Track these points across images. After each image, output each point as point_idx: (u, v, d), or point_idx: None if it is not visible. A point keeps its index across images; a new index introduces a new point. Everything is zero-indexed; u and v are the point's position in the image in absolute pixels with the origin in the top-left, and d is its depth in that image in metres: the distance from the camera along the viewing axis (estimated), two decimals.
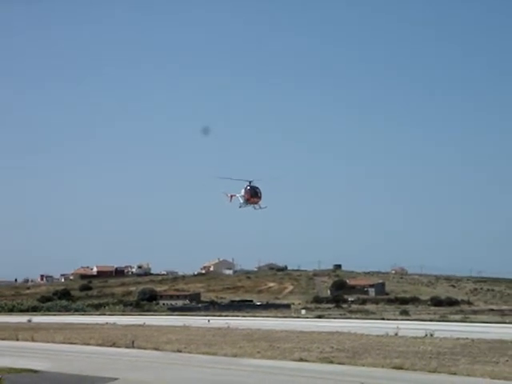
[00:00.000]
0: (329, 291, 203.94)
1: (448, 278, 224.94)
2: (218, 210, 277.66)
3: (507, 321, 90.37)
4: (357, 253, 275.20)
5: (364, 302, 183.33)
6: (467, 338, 49.12)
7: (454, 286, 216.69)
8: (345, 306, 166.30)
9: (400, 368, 32.54)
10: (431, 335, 51.12)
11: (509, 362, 34.92)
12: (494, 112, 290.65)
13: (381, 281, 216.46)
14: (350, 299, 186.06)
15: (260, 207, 54.67)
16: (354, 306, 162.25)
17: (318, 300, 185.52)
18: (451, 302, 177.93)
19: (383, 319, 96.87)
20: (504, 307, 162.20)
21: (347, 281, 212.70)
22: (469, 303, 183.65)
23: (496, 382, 28.09)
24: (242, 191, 54.36)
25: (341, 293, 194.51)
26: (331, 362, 35.30)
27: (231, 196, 55.74)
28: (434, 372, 31.18)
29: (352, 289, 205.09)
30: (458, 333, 53.80)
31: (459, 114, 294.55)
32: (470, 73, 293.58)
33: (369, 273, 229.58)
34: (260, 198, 54.03)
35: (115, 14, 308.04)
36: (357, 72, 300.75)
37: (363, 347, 42.81)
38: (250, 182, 54.00)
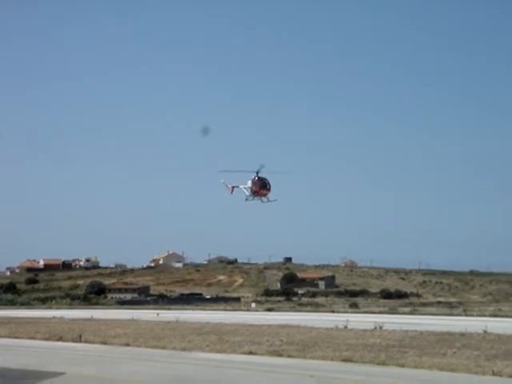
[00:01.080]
0: (279, 284, 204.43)
1: (397, 271, 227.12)
2: (167, 202, 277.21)
3: (455, 313, 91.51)
4: (307, 246, 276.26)
5: (314, 294, 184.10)
6: (416, 331, 49.45)
7: (403, 279, 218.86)
8: (295, 299, 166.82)
9: (349, 361, 32.55)
10: (380, 328, 51.35)
11: (456, 353, 35.17)
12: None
13: (331, 274, 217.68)
14: (300, 292, 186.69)
15: (268, 200, 50.69)
16: (304, 299, 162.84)
17: (268, 293, 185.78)
18: (400, 295, 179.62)
19: (333, 312, 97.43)
20: (452, 299, 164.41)
21: (297, 274, 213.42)
22: (418, 296, 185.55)
23: (443, 373, 28.21)
24: (249, 183, 50.63)
25: (291, 286, 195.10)
26: (281, 355, 35.17)
27: (232, 187, 51.97)
28: (382, 364, 31.24)
29: (302, 282, 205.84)
30: (406, 325, 54.17)
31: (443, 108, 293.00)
32: (472, 74, 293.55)
33: (319, 266, 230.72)
34: (269, 190, 50.24)
35: (114, 13, 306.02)
36: (357, 71, 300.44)
37: (313, 340, 42.79)
38: (256, 173, 50.09)
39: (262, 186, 49.94)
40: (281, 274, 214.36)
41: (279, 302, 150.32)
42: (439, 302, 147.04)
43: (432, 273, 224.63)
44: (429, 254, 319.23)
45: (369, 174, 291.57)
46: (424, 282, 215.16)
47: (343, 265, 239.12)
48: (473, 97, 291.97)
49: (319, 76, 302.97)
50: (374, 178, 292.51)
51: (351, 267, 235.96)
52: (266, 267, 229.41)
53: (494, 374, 27.77)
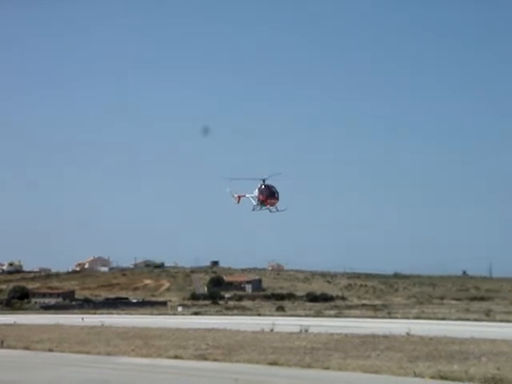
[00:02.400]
0: (206, 288, 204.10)
1: (323, 274, 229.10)
2: (91, 206, 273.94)
3: (379, 315, 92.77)
4: (234, 249, 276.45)
5: (241, 298, 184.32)
6: (341, 333, 49.94)
7: (329, 282, 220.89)
8: (221, 302, 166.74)
9: (275, 364, 32.65)
10: (306, 331, 51.70)
11: (380, 355, 35.64)
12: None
13: (258, 277, 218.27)
14: (226, 296, 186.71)
15: (277, 210, 47.73)
16: (231, 303, 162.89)
17: (194, 297, 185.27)
18: (326, 298, 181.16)
19: (259, 315, 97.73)
20: (376, 302, 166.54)
21: (224, 277, 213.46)
22: (343, 299, 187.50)
23: (367, 375, 28.54)
24: (256, 191, 47.80)
25: (218, 289, 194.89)
26: (206, 359, 35.08)
27: (239, 197, 49.19)
28: (307, 367, 31.43)
29: (229, 285, 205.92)
30: (332, 328, 54.66)
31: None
32: (471, 73, 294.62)
33: (246, 269, 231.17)
34: (277, 198, 47.51)
35: (114, 13, 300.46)
36: (357, 70, 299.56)
37: (239, 344, 42.82)
38: (263, 181, 47.32)
39: (269, 195, 47.24)
40: (208, 278, 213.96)
41: (206, 305, 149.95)
42: (364, 305, 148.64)
43: (357, 276, 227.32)
44: (354, 258, 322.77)
45: (298, 178, 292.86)
46: (349, 285, 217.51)
47: (270, 268, 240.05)
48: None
49: (319, 76, 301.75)
50: (301, 183, 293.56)
51: (278, 271, 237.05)
52: (193, 271, 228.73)
53: (415, 375, 28.21)
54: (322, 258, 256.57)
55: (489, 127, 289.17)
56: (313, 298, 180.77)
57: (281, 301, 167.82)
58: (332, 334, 49.27)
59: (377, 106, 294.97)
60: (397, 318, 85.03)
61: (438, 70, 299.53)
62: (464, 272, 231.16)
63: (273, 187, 47.40)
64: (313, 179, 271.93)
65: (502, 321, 76.45)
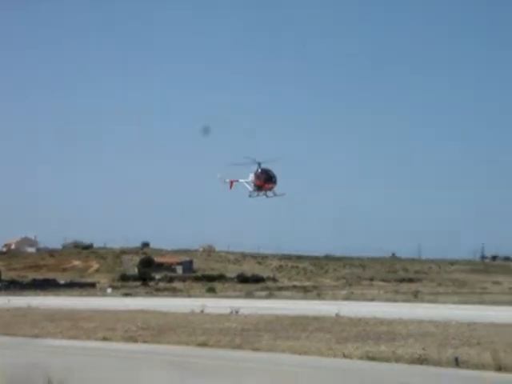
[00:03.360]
0: (136, 269, 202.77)
1: (254, 256, 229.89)
2: (20, 185, 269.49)
3: (309, 297, 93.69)
4: (165, 230, 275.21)
5: (171, 279, 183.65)
6: (271, 315, 50.17)
7: (260, 263, 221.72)
8: (152, 284, 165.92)
9: (205, 345, 32.58)
10: (237, 312, 51.76)
11: (309, 337, 35.86)
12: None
13: (189, 258, 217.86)
14: (157, 277, 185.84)
15: (275, 194, 45.79)
16: (162, 284, 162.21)
17: (124, 278, 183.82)
18: (257, 279, 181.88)
19: (190, 297, 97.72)
20: (307, 283, 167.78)
21: (155, 259, 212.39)
22: (274, 280, 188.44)
23: (296, 356, 28.66)
24: (251, 176, 45.93)
25: (148, 271, 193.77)
26: (136, 341, 34.81)
27: (231, 182, 47.25)
28: (237, 348, 31.43)
29: (160, 266, 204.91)
30: (262, 309, 54.89)
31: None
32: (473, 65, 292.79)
33: (177, 251, 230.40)
34: (275, 182, 45.53)
35: (113, 12, 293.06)
36: (356, 67, 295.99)
37: (169, 325, 42.60)
38: (259, 165, 45.24)
39: (266, 180, 45.33)
40: (138, 259, 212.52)
41: (136, 287, 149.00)
42: (295, 286, 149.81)
43: (288, 257, 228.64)
44: (285, 239, 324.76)
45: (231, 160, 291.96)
46: (280, 266, 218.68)
47: (201, 250, 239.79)
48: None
49: (319, 76, 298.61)
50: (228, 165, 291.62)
51: (209, 252, 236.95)
52: (123, 252, 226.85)
53: (344, 356, 28.44)
54: (253, 240, 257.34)
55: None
56: (244, 279, 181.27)
57: (212, 282, 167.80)
58: (262, 316, 49.42)
59: (376, 98, 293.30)
60: (326, 299, 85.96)
61: (434, 63, 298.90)
62: (393, 254, 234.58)
63: (270, 171, 45.54)
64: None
65: (429, 302, 78.11)
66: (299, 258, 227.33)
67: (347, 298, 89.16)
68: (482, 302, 75.54)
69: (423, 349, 30.06)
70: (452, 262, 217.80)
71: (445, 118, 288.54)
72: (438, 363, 26.46)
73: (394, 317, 47.73)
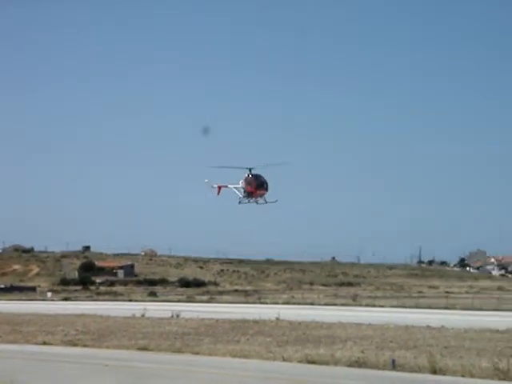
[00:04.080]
0: (77, 273, 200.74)
1: (196, 260, 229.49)
2: None
3: (250, 301, 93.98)
4: (106, 234, 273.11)
5: (112, 283, 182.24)
6: (212, 319, 50.35)
7: (201, 268, 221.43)
8: (93, 288, 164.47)
9: (145, 349, 32.63)
10: (177, 316, 51.81)
11: (250, 340, 36.17)
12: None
13: (130, 262, 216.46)
14: (98, 281, 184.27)
15: (266, 201, 43.96)
16: (103, 288, 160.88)
17: (65, 282, 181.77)
18: (198, 283, 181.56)
19: (131, 301, 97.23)
20: (248, 288, 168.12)
21: (96, 262, 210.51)
22: (215, 284, 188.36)
23: (236, 360, 28.90)
24: (242, 182, 44.07)
25: (89, 275, 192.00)
26: (75, 345, 34.68)
27: (219, 187, 45.29)
28: (178, 352, 31.56)
29: (101, 270, 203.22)
30: (203, 313, 55.03)
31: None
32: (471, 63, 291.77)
33: (118, 255, 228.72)
34: (267, 189, 43.59)
35: (114, 13, 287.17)
36: (355, 65, 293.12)
37: (109, 329, 42.49)
38: (250, 170, 43.61)
39: (258, 186, 43.36)
40: (79, 263, 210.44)
41: (76, 291, 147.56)
42: (236, 291, 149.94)
43: (230, 262, 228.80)
44: (227, 243, 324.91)
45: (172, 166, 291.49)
46: (222, 270, 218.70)
47: (143, 253, 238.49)
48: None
49: (319, 75, 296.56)
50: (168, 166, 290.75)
51: (151, 256, 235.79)
52: (64, 256, 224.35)
53: (284, 359, 28.79)
54: (194, 244, 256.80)
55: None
56: (185, 283, 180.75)
57: (153, 286, 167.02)
58: (203, 320, 49.58)
59: (372, 99, 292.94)
60: (267, 303, 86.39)
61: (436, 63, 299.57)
62: (333, 258, 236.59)
63: (261, 177, 43.73)
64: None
65: (367, 305, 79.09)
66: (240, 262, 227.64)
67: (288, 301, 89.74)
68: (418, 306, 76.79)
69: (361, 352, 30.60)
70: (390, 267, 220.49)
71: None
72: (375, 366, 26.98)
73: (333, 320, 48.34)
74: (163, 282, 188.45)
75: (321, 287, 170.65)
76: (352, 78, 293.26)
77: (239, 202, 44.52)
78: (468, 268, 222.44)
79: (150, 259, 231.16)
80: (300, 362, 28.23)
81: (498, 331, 42.22)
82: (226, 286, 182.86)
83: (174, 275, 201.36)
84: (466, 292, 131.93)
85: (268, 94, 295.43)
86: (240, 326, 44.50)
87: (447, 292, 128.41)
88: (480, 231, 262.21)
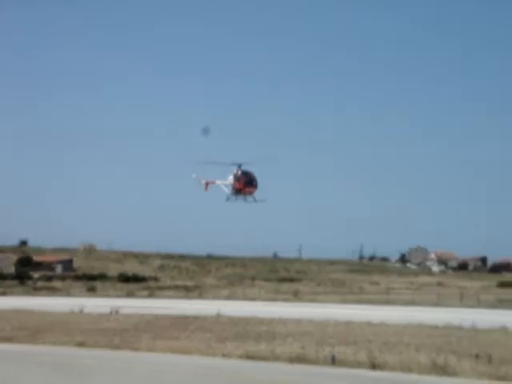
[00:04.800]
0: (13, 268, 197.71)
1: (136, 255, 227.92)
2: None
3: (191, 296, 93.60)
4: (45, 228, 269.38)
5: (50, 278, 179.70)
6: (152, 314, 49.92)
7: (142, 263, 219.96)
8: (30, 283, 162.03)
9: (83, 345, 32.15)
10: (117, 312, 51.21)
11: (190, 336, 35.87)
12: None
13: (69, 257, 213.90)
14: (35, 276, 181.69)
15: (255, 200, 42.92)
16: (40, 283, 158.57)
17: (1, 277, 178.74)
18: (138, 279, 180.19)
19: (69, 296, 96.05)
20: (189, 283, 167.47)
21: (33, 257, 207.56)
22: (156, 279, 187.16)
23: (175, 356, 28.64)
24: (231, 178, 42.79)
25: (26, 269, 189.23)
26: (11, 341, 33.99)
27: (207, 183, 44.14)
28: (116, 348, 31.14)
29: (39, 265, 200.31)
30: (143, 309, 54.57)
31: None
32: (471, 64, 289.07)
33: (57, 249, 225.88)
34: (256, 187, 42.58)
35: (114, 15, 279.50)
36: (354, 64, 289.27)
37: (46, 325, 41.74)
38: (239, 166, 42.34)
39: (247, 183, 42.24)
40: (15, 258, 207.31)
41: (13, 286, 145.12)
42: (176, 286, 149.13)
43: (170, 257, 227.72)
44: (168, 238, 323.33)
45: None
46: (162, 265, 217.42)
47: (82, 248, 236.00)
48: None
49: (320, 75, 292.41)
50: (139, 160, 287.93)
51: (90, 251, 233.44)
52: (0, 250, 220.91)
53: (224, 355, 28.61)
54: (135, 239, 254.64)
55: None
56: (125, 278, 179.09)
57: (92, 281, 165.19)
58: (143, 315, 49.11)
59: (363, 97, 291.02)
60: (208, 298, 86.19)
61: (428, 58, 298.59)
62: (275, 254, 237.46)
63: (250, 173, 42.49)
64: None
65: (308, 301, 79.45)
66: (182, 257, 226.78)
67: (229, 297, 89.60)
68: (359, 302, 77.38)
69: (301, 348, 30.57)
70: (331, 262, 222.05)
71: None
72: (315, 362, 26.96)
73: (274, 316, 48.29)
74: (102, 277, 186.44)
75: (262, 283, 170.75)
76: (349, 75, 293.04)
77: (227, 199, 43.25)
78: (408, 264, 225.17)
79: (89, 254, 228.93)
80: (240, 357, 28.09)
81: (436, 327, 42.67)
82: (167, 282, 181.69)
83: (113, 270, 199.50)
84: (407, 288, 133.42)
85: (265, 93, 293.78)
86: (180, 322, 44.16)
87: (388, 288, 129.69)
88: (421, 228, 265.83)
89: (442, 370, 24.83)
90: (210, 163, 42.80)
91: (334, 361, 26.78)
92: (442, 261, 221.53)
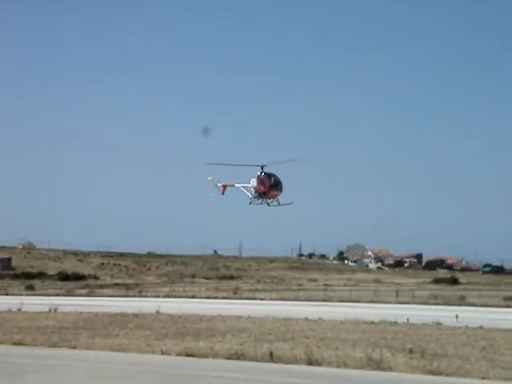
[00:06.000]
0: None
1: (76, 253, 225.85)
2: None
3: (131, 294, 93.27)
4: None
5: None
6: (91, 312, 49.76)
7: (81, 261, 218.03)
8: None
9: (20, 344, 31.94)
10: (55, 310, 50.95)
11: (129, 334, 35.94)
12: None
13: (7, 256, 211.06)
14: None
15: (279, 203, 40.57)
16: None
17: None
18: (78, 277, 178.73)
19: (7, 295, 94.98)
20: (129, 281, 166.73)
21: None
22: (95, 278, 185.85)
23: (114, 353, 28.69)
24: (253, 181, 40.23)
25: None
26: None
27: (224, 186, 41.51)
28: (54, 346, 31.04)
29: None
30: (82, 307, 54.36)
31: None
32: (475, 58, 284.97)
33: None
34: (281, 190, 40.32)
35: (114, 14, 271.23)
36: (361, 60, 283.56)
37: None
38: (262, 168, 40.12)
39: (272, 186, 39.92)
40: None
41: None
42: (116, 284, 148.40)
43: (110, 255, 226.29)
44: (108, 236, 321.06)
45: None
46: (102, 264, 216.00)
47: (21, 247, 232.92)
48: None
49: (319, 75, 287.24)
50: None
51: (29, 249, 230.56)
52: None
53: (163, 352, 28.76)
54: (74, 237, 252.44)
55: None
56: (64, 276, 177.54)
57: (31, 280, 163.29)
58: (81, 313, 48.94)
59: (375, 94, 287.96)
60: (148, 296, 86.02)
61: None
62: (215, 251, 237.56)
63: (274, 175, 40.24)
64: None
65: (248, 298, 79.95)
66: (121, 255, 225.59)
67: (169, 295, 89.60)
68: (297, 299, 78.12)
69: (240, 344, 30.91)
70: (271, 260, 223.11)
71: None
72: (253, 358, 27.30)
73: (213, 313, 48.59)
74: (41, 275, 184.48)
75: (202, 280, 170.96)
76: (356, 75, 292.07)
77: (250, 203, 40.76)
78: (346, 261, 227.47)
79: (28, 252, 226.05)
80: (179, 355, 28.27)
81: (372, 323, 43.48)
82: (107, 280, 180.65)
83: (52, 269, 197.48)
84: (344, 284, 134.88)
85: (270, 93, 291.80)
86: (119, 320, 44.15)
87: (326, 284, 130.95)
88: (358, 226, 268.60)
89: (377, 365, 25.39)
90: (221, 164, 40.88)
91: (272, 357, 27.16)
92: (378, 258, 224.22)
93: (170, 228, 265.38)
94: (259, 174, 40.05)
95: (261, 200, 40.49)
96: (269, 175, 40.12)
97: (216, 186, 41.80)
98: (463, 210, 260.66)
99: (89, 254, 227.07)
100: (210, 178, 42.12)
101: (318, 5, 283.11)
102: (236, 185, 41.31)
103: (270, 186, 39.97)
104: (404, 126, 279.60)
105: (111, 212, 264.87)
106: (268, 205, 40.55)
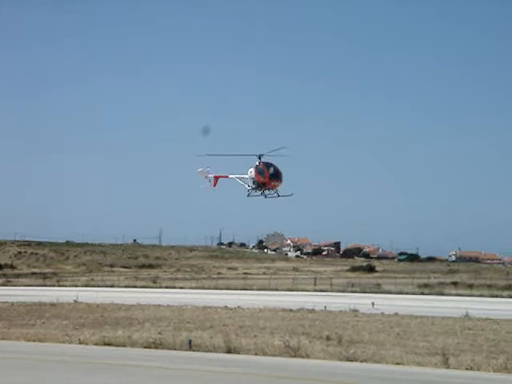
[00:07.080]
0: None
1: None
2: None
3: (48, 284, 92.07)
4: None
5: None
6: (7, 302, 49.00)
7: None
8: None
9: None
10: None
11: (46, 323, 35.56)
12: None
13: None
14: None
15: (278, 194, 37.87)
16: None
17: None
18: None
19: None
20: (47, 270, 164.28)
21: None
22: (12, 267, 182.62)
23: (30, 344, 28.36)
24: (251, 171, 37.75)
25: None
26: None
27: (216, 178, 39.13)
28: None
29: None
30: None
31: None
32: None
33: None
34: (281, 180, 37.65)
35: (114, 14, 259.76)
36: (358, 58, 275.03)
37: None
38: (259, 158, 37.65)
39: (273, 176, 37.36)
40: None
41: None
42: (34, 273, 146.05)
43: (28, 244, 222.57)
44: (24, 225, 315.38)
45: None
46: (19, 252, 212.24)
47: None
48: None
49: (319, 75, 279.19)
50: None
51: None
52: None
53: (80, 342, 28.56)
54: None
55: None
56: None
57: None
58: None
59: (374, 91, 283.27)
60: (66, 286, 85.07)
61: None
62: (134, 240, 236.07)
63: (274, 165, 37.66)
64: None
65: (167, 287, 79.83)
66: (39, 244, 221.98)
67: (87, 284, 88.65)
68: (217, 287, 78.37)
69: (159, 333, 30.91)
70: (191, 249, 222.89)
71: None
72: (172, 346, 27.35)
73: (132, 302, 48.40)
74: None
75: (121, 269, 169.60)
76: (355, 72, 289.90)
77: (248, 195, 38.34)
78: (266, 250, 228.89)
79: None
80: (96, 344, 28.12)
81: (291, 310, 43.99)
82: (24, 269, 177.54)
83: None
84: (264, 273, 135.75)
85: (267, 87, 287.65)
86: (36, 309, 43.59)
87: (245, 273, 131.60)
88: (277, 214, 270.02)
89: (295, 352, 25.74)
90: (214, 155, 38.34)
91: (190, 345, 27.26)
92: (297, 247, 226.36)
93: (89, 217, 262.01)
94: (257, 163, 37.86)
95: (262, 191, 38.11)
96: (268, 165, 37.81)
97: (207, 177, 39.51)
98: (378, 199, 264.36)
99: (5, 242, 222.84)
100: (200, 170, 39.97)
101: (317, 4, 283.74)
102: (230, 176, 39.31)
103: (270, 177, 37.57)
104: None
105: (28, 200, 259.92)
106: (265, 197, 38.17)
